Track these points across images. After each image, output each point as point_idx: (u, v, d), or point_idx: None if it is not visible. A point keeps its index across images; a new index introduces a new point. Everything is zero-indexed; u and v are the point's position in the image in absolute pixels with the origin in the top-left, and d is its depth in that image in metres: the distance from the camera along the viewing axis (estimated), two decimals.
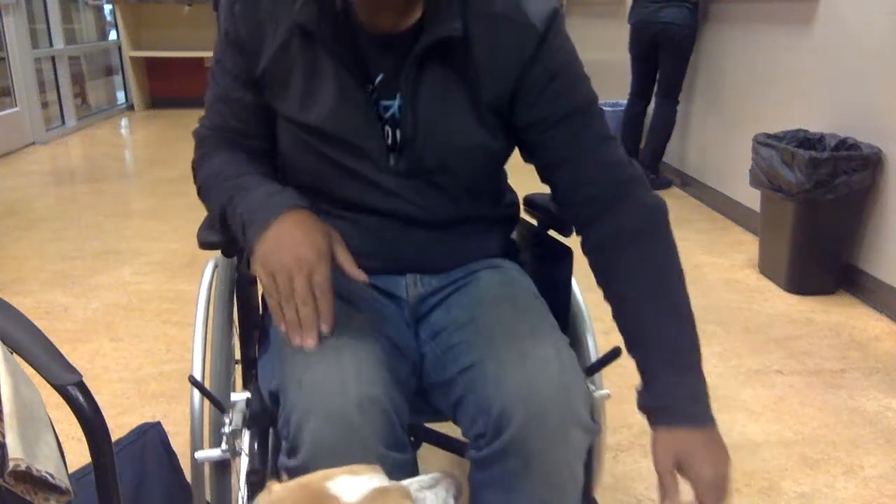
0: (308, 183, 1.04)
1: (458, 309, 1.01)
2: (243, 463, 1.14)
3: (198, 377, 1.05)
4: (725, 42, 3.64)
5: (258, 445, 1.10)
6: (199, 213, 1.12)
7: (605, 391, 1.10)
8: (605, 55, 5.38)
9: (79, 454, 0.85)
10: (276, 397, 0.91)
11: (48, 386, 0.72)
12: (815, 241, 2.60)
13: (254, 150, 1.05)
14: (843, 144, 2.57)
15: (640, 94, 4.09)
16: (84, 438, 0.73)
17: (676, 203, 3.87)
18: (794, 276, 2.66)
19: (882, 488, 1.61)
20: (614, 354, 1.02)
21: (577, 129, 0.97)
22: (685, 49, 3.77)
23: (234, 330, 1.21)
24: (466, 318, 0.99)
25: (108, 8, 6.76)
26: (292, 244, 0.85)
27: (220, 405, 1.03)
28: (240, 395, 1.12)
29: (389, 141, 0.98)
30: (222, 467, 1.05)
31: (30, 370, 0.73)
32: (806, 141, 2.67)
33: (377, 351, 0.91)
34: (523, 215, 1.21)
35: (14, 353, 0.73)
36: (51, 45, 5.53)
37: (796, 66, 3.02)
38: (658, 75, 3.94)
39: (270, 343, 1.01)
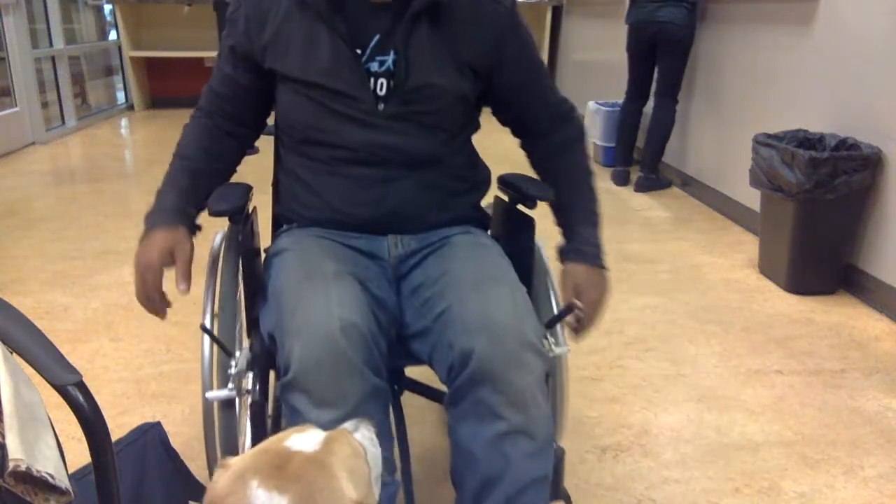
0: (309, 136, 1.24)
1: (433, 267, 1.21)
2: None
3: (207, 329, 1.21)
4: (725, 42, 3.64)
5: (259, 383, 1.24)
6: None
7: (566, 347, 1.27)
8: (604, 55, 5.38)
9: (79, 454, 0.85)
10: (274, 338, 1.08)
11: (48, 386, 0.72)
12: (815, 241, 2.60)
13: (230, 117, 1.30)
14: (843, 144, 2.57)
15: (636, 94, 4.08)
16: (84, 438, 0.73)
17: (676, 203, 3.87)
18: (794, 276, 2.66)
19: (882, 488, 1.61)
20: (569, 309, 1.22)
21: (536, 86, 1.31)
22: (683, 49, 3.76)
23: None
24: (439, 274, 1.18)
25: (108, 8, 6.75)
26: (140, 256, 1.14)
27: (228, 350, 1.17)
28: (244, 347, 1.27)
29: (382, 92, 1.19)
30: (229, 405, 1.17)
31: (30, 370, 0.73)
32: (806, 141, 2.67)
33: (361, 295, 1.09)
34: (498, 193, 1.43)
35: (14, 353, 0.73)
36: (51, 45, 5.53)
37: (796, 66, 3.02)
38: (656, 75, 3.93)
39: (269, 294, 1.17)
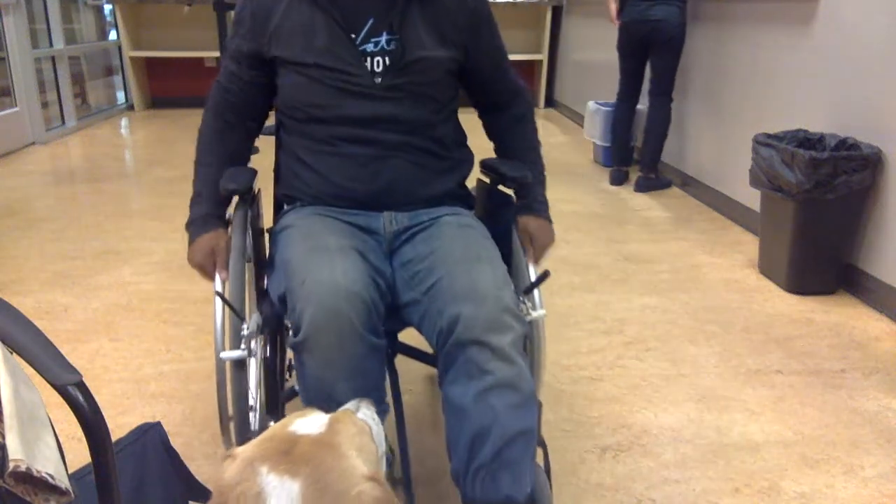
0: (311, 115, 1.38)
1: (422, 244, 1.34)
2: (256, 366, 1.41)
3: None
4: (725, 42, 3.64)
5: (269, 343, 1.41)
6: None
7: (542, 311, 1.38)
8: (604, 55, 5.38)
9: (79, 454, 0.85)
10: (284, 300, 1.23)
11: (48, 386, 0.72)
12: (815, 241, 2.60)
13: (236, 109, 1.45)
14: (843, 144, 2.57)
15: (628, 93, 4.10)
16: (84, 438, 0.73)
17: (676, 203, 3.87)
18: (794, 276, 2.66)
19: (882, 488, 1.61)
20: (545, 275, 1.36)
21: (501, 70, 1.52)
22: (677, 46, 3.79)
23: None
24: (428, 251, 1.31)
25: (108, 8, 6.75)
26: (191, 258, 1.41)
27: (239, 314, 1.27)
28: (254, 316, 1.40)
29: (379, 68, 1.34)
30: (240, 365, 1.26)
31: (30, 370, 0.73)
32: (806, 141, 2.67)
33: (362, 266, 1.23)
34: (480, 176, 1.59)
35: (14, 353, 0.73)
36: (51, 45, 5.53)
37: (796, 66, 3.02)
38: (650, 74, 3.94)
39: (277, 264, 1.32)
